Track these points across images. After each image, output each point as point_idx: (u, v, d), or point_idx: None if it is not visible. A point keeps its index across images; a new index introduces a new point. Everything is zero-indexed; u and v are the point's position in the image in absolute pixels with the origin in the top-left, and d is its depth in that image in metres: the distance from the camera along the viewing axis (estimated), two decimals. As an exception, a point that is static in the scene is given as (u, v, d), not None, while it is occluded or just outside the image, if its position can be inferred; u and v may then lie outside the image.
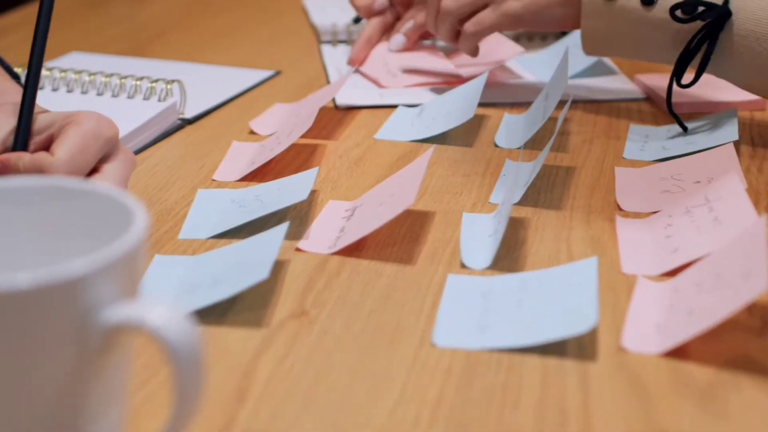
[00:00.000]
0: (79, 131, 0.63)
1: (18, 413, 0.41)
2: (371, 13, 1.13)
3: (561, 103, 0.84)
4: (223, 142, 0.90)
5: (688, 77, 0.88)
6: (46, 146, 0.64)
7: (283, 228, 0.65)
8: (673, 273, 0.66)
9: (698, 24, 0.85)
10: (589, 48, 0.93)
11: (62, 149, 0.62)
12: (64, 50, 1.18)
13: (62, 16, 1.34)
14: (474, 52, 1.01)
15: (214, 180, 0.82)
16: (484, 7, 0.97)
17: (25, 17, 1.31)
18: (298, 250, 0.69)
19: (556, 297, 0.61)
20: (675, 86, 0.89)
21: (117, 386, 0.44)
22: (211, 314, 0.61)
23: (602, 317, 0.60)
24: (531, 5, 0.95)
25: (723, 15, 0.85)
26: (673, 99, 0.91)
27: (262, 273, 0.60)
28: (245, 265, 0.63)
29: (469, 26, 0.98)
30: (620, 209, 0.76)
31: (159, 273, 0.66)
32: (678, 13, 0.86)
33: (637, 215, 0.75)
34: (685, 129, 0.90)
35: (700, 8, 0.85)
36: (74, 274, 0.39)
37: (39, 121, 0.66)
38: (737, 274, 0.58)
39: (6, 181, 0.47)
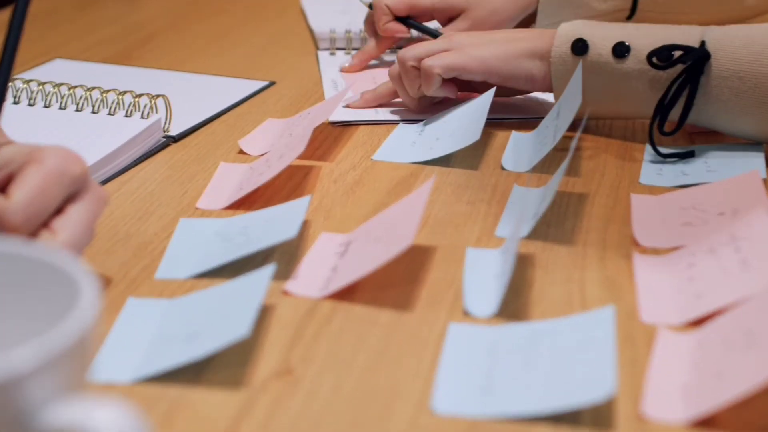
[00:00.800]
0: (40, 171, 0.56)
1: None
2: (393, 41, 1.08)
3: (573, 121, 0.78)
4: (209, 162, 0.84)
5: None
6: (4, 186, 0.58)
7: (268, 272, 0.59)
8: (697, 322, 0.60)
9: (677, 69, 0.82)
10: None
11: (20, 192, 0.55)
12: (49, 54, 1.12)
13: (48, 17, 1.28)
14: (437, 90, 0.90)
15: (197, 208, 0.76)
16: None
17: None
18: (285, 293, 0.63)
19: (569, 356, 0.55)
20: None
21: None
22: (186, 372, 0.55)
23: (620, 376, 0.54)
24: (498, 52, 0.89)
25: (702, 57, 0.81)
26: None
27: (242, 329, 0.54)
28: (225, 316, 0.57)
29: (427, 60, 0.89)
30: (637, 244, 0.70)
31: (132, 320, 0.60)
32: (654, 60, 0.83)
33: (655, 251, 0.69)
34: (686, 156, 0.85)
35: (677, 53, 0.82)
36: (8, 373, 0.33)
37: None
38: (772, 334, 0.52)
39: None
